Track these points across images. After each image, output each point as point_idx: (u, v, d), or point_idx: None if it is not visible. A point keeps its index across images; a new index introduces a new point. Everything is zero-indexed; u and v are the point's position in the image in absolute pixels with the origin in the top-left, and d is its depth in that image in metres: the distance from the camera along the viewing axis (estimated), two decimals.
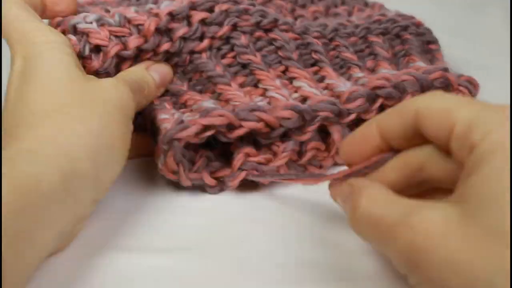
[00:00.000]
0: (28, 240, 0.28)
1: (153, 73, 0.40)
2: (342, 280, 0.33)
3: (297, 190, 0.40)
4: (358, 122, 0.40)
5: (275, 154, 0.40)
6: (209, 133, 0.37)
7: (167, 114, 0.39)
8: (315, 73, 0.45)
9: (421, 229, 0.24)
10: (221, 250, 0.36)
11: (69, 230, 0.33)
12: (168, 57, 0.43)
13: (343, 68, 0.47)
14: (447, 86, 0.43)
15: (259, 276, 0.34)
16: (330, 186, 0.34)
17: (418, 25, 0.51)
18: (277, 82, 0.43)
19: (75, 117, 0.33)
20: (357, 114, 0.41)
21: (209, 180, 0.39)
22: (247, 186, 0.41)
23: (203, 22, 0.43)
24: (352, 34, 0.49)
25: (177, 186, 0.40)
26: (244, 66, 0.43)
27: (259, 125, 0.38)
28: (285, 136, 0.40)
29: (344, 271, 0.34)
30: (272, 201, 0.40)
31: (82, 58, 0.39)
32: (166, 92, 0.42)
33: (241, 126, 0.38)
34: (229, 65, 0.44)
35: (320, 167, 0.42)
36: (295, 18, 0.55)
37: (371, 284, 0.33)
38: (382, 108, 0.42)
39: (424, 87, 0.42)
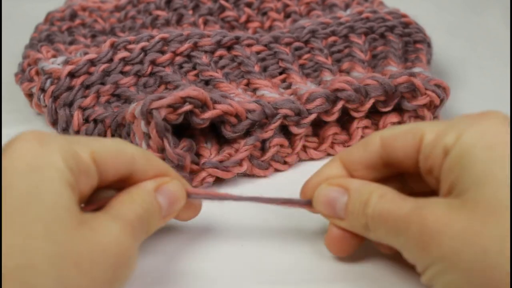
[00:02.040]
0: None
1: (161, 197, 0.32)
2: (342, 281, 0.34)
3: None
4: (319, 123, 0.43)
5: (236, 151, 0.41)
6: (186, 107, 0.38)
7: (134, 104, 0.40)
8: (283, 80, 0.47)
9: (431, 215, 0.27)
10: (222, 251, 0.36)
11: None
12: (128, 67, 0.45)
13: (316, 71, 0.48)
14: (413, 90, 0.43)
15: (259, 276, 0.34)
16: (304, 192, 0.34)
17: (408, 24, 0.51)
18: (239, 90, 0.45)
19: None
20: (317, 114, 0.42)
21: (188, 163, 0.39)
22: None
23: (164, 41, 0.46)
24: (333, 33, 0.49)
25: None
26: (207, 82, 0.45)
27: (231, 108, 0.39)
28: (248, 135, 0.41)
29: (344, 271, 0.34)
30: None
31: (42, 91, 0.44)
32: (126, 102, 0.44)
33: (214, 108, 0.39)
34: (193, 82, 0.46)
35: (285, 163, 0.43)
36: (288, 16, 0.56)
37: (371, 284, 0.33)
38: (345, 111, 0.43)
39: (388, 91, 0.42)
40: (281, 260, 0.35)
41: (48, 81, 0.44)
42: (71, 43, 0.52)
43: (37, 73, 0.46)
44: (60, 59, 0.46)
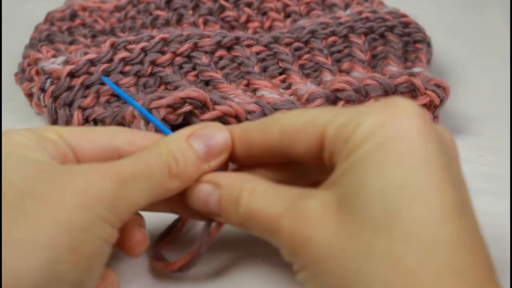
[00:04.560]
0: None
1: (194, 142, 0.29)
2: None
3: None
4: None
5: None
6: (186, 108, 0.38)
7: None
8: (283, 80, 0.47)
9: (302, 218, 0.25)
10: (222, 251, 0.36)
11: None
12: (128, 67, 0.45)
13: (316, 72, 0.48)
14: (413, 90, 0.43)
15: (260, 276, 0.34)
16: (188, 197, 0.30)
17: (408, 24, 0.51)
18: (239, 91, 0.45)
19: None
20: None
21: None
22: None
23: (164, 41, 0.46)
24: (333, 33, 0.50)
25: None
26: (207, 83, 0.46)
27: (231, 110, 0.39)
28: None
29: None
30: None
31: (42, 91, 0.44)
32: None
33: (214, 109, 0.39)
34: (193, 83, 0.46)
35: None
36: (288, 15, 0.56)
37: None
38: None
39: (387, 91, 0.43)
40: (281, 260, 0.35)
41: (48, 81, 0.44)
42: (71, 43, 0.52)
43: (37, 73, 0.46)
44: (60, 59, 0.46)
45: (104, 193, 0.25)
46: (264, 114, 0.41)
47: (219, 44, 0.47)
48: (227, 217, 0.29)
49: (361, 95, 0.42)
